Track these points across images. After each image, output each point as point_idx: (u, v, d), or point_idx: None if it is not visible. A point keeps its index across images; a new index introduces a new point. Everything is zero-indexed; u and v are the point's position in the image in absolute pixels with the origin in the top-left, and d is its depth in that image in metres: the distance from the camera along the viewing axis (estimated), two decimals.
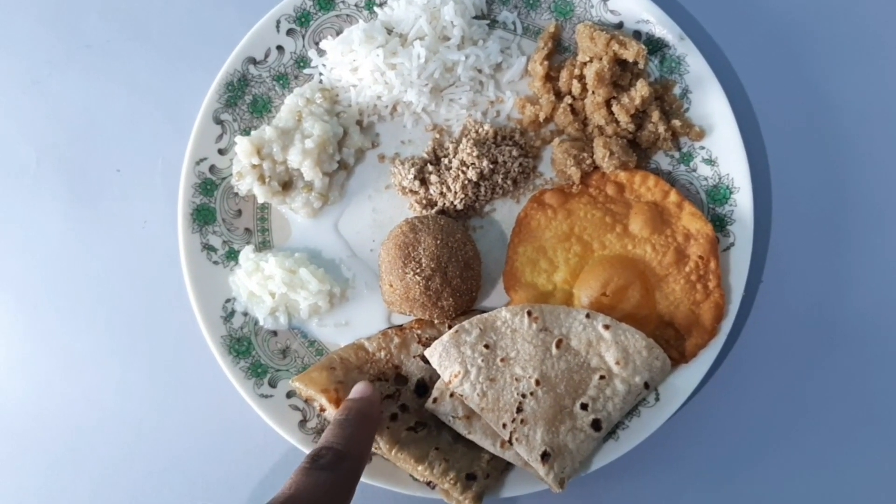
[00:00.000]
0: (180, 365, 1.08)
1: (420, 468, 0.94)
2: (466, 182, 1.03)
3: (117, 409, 1.09)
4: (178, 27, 1.16)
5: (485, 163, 1.02)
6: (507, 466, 0.97)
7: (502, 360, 0.94)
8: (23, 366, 1.10)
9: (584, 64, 1.04)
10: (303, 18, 1.08)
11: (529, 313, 0.96)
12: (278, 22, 1.07)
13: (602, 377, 0.94)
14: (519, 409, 0.92)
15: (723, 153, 1.03)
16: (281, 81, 1.08)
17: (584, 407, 0.93)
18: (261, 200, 1.05)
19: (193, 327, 1.03)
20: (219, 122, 1.05)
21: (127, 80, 1.15)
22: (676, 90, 1.06)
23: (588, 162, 1.03)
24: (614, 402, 0.94)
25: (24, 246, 1.12)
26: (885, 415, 1.06)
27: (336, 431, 0.83)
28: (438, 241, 0.97)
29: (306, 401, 1.01)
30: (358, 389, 0.91)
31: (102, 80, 1.16)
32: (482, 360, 0.94)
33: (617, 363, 0.94)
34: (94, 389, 1.09)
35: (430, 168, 1.04)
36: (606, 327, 0.95)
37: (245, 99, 1.07)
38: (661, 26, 1.05)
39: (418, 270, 0.96)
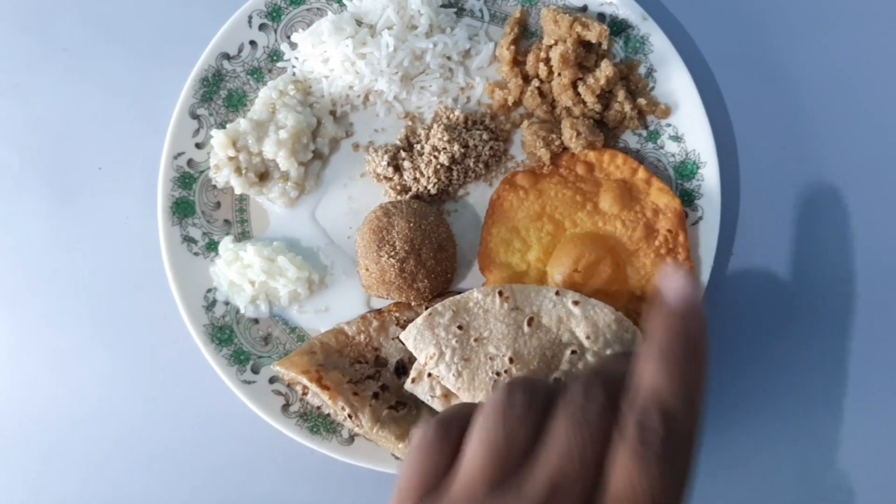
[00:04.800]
0: (164, 356, 1.10)
1: (401, 446, 0.97)
2: (439, 167, 1.05)
3: (104, 402, 1.11)
4: (151, 27, 1.18)
5: (456, 147, 1.04)
6: None
7: (476, 340, 0.96)
8: (8, 364, 1.13)
9: (550, 47, 1.06)
10: (274, 13, 1.10)
11: (500, 293, 0.98)
12: (250, 17, 1.09)
13: (574, 352, 0.96)
14: (494, 387, 0.94)
15: (688, 129, 1.05)
16: (255, 75, 1.10)
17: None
18: (238, 192, 1.07)
19: (176, 318, 1.05)
20: (195, 116, 1.08)
21: (104, 80, 1.18)
22: (641, 70, 1.08)
23: (557, 143, 1.05)
24: None
25: (8, 246, 1.15)
26: (856, 384, 1.08)
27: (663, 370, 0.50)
28: (411, 224, 0.99)
29: (289, 385, 1.04)
30: (674, 281, 0.54)
31: (80, 82, 1.18)
32: (456, 342, 0.96)
33: (588, 337, 0.96)
34: (81, 384, 1.11)
35: (403, 154, 1.06)
36: (576, 303, 0.97)
37: (220, 94, 1.09)
38: (624, 7, 1.07)
39: (392, 253, 0.98)
